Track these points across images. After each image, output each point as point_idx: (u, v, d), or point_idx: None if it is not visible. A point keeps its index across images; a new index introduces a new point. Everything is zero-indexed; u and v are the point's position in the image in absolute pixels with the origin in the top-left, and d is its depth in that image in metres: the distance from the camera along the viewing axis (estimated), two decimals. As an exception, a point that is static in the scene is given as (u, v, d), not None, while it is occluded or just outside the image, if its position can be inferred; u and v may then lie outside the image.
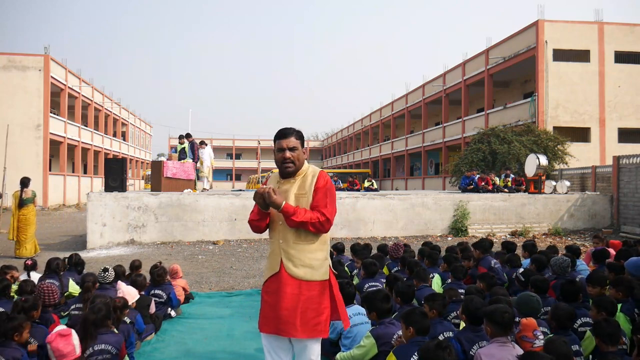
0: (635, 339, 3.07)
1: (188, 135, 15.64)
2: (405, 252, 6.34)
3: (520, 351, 2.93)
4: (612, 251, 6.43)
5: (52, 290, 4.35)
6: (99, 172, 33.54)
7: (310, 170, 2.87)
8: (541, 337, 3.19)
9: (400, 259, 5.90)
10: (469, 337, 3.31)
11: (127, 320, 4.19)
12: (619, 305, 3.92)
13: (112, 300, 4.01)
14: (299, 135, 2.86)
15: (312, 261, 2.78)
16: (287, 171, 2.81)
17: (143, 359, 4.25)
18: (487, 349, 3.00)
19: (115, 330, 3.76)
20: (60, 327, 3.55)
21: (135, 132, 48.39)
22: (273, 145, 2.91)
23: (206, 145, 15.45)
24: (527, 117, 21.73)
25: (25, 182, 10.28)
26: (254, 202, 2.84)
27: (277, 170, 2.95)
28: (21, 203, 10.08)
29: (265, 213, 2.82)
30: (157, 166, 13.05)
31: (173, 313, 5.46)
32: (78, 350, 3.39)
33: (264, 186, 2.76)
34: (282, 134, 2.83)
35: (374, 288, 4.62)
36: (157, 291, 5.36)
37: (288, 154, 2.78)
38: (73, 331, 3.49)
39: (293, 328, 2.68)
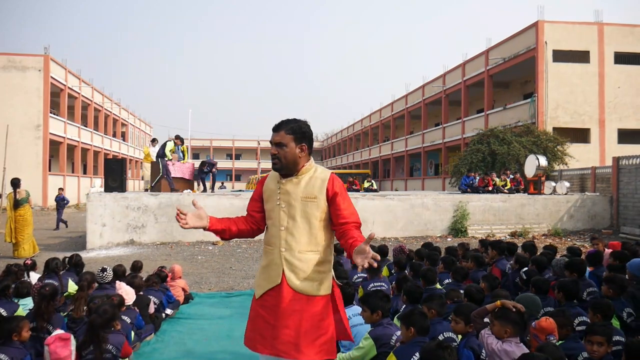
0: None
1: (177, 137, 15.57)
2: (408, 256, 6.34)
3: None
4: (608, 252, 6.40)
5: None
6: (98, 173, 33.51)
7: (318, 173, 2.51)
8: (554, 341, 3.15)
9: (396, 262, 5.87)
10: (474, 339, 3.26)
11: (128, 320, 4.19)
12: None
13: (110, 298, 4.01)
14: (293, 130, 2.45)
15: (318, 274, 2.46)
16: (274, 168, 2.52)
17: (143, 359, 4.24)
18: (505, 346, 2.95)
19: (118, 327, 3.75)
20: (60, 331, 3.55)
21: (135, 132, 48.38)
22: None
23: (157, 142, 15.13)
24: (526, 118, 21.74)
25: (15, 182, 10.21)
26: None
27: None
28: (16, 204, 10.02)
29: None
30: (157, 166, 13.04)
31: (169, 311, 5.46)
32: (73, 357, 3.38)
33: None
34: (274, 126, 2.51)
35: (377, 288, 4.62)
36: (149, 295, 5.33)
37: (274, 150, 2.46)
38: (72, 337, 3.47)
39: (295, 349, 2.37)
